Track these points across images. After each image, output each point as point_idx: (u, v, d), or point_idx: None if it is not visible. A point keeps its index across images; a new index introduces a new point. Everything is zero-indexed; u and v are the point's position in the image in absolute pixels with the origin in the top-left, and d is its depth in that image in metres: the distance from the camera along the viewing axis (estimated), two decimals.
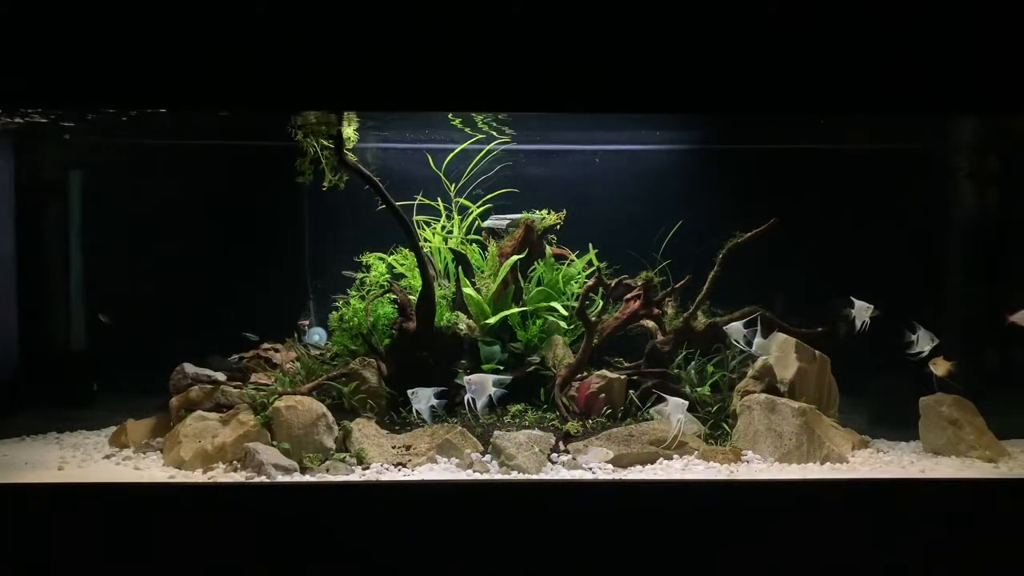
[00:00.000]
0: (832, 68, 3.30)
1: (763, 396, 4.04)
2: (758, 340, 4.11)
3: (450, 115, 4.26)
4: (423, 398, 3.94)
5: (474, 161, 4.75)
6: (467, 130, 4.51)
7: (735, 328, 4.17)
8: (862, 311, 4.19)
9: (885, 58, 3.30)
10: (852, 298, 4.23)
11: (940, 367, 4.15)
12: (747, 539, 3.24)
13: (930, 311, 4.38)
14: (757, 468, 3.77)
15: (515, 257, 4.54)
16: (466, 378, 3.94)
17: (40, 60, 3.23)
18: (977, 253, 4.87)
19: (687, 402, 3.89)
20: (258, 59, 3.25)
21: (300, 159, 4.00)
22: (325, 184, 4.07)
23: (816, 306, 4.65)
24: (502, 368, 4.36)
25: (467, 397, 3.89)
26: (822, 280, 4.74)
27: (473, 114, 4.24)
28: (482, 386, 3.90)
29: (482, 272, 4.70)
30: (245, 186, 4.79)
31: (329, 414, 3.89)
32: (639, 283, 4.41)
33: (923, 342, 4.13)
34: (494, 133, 4.55)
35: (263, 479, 3.49)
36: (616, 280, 4.48)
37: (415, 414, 3.98)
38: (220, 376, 4.34)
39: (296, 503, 3.31)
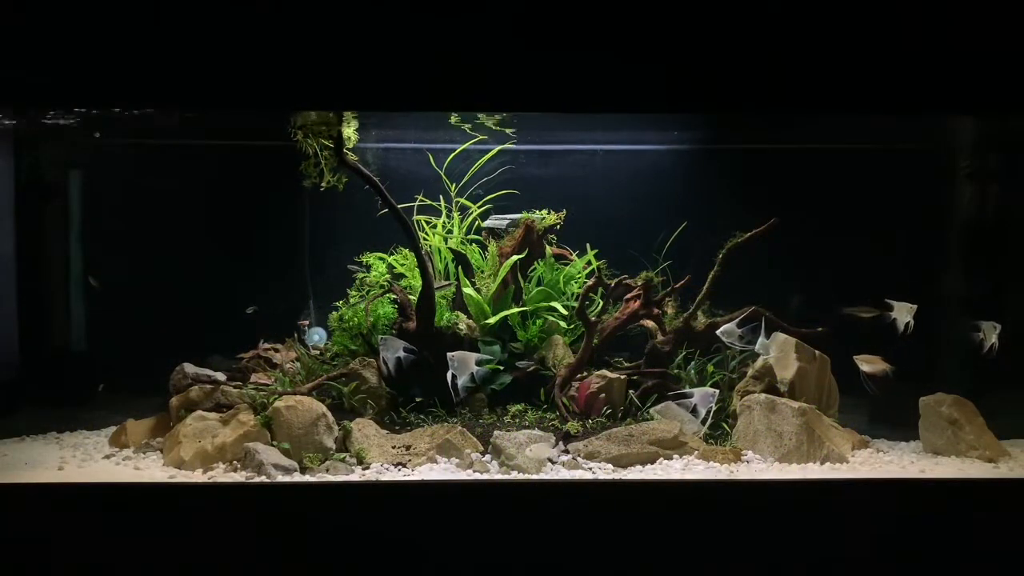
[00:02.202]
0: (832, 68, 3.30)
1: (763, 396, 4.04)
2: (761, 340, 4.11)
3: (452, 116, 4.27)
4: (392, 347, 3.97)
5: (477, 163, 4.75)
6: (467, 128, 4.51)
7: (728, 329, 4.17)
8: (903, 311, 4.16)
9: (884, 58, 3.30)
10: (889, 300, 4.21)
11: (868, 363, 4.15)
12: (747, 539, 3.25)
13: (927, 311, 4.36)
14: (757, 468, 3.77)
15: (515, 257, 4.55)
16: (449, 354, 3.94)
17: (39, 60, 3.23)
18: (975, 253, 4.86)
19: (717, 391, 3.88)
20: (258, 59, 3.25)
21: (305, 162, 4.01)
22: (323, 184, 4.07)
23: (818, 306, 4.66)
24: (502, 368, 4.36)
25: (449, 374, 3.90)
26: (823, 280, 4.75)
27: (473, 114, 4.24)
28: (464, 363, 3.91)
29: (482, 272, 4.70)
30: (245, 186, 4.78)
31: (329, 414, 3.89)
32: (639, 283, 4.41)
33: (990, 334, 4.09)
34: (501, 129, 4.54)
35: (263, 479, 3.49)
36: (616, 280, 4.48)
37: (383, 362, 4.02)
38: (220, 376, 4.34)
39: (296, 503, 3.31)
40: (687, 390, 3.99)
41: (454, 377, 3.88)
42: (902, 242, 4.83)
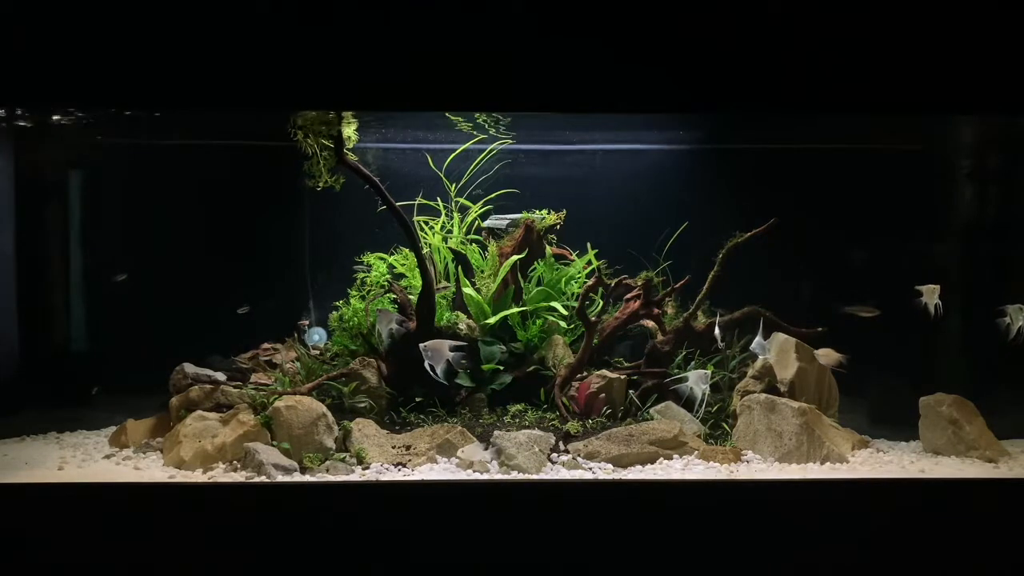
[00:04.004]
0: (832, 68, 3.30)
1: (763, 396, 4.04)
2: (758, 340, 4.12)
3: (451, 115, 4.26)
4: (385, 320, 4.05)
5: (476, 162, 4.75)
6: (469, 128, 4.50)
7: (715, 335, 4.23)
8: (930, 293, 4.14)
9: (884, 58, 3.30)
10: (917, 287, 4.20)
11: (824, 356, 4.14)
12: (747, 539, 3.24)
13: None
14: (757, 468, 3.77)
15: (515, 257, 4.55)
16: (422, 345, 3.95)
17: (40, 60, 3.23)
18: (974, 253, 4.87)
19: (708, 372, 3.96)
20: (258, 59, 3.24)
21: (309, 162, 4.01)
22: (320, 184, 4.07)
23: (817, 306, 4.66)
24: (502, 368, 4.36)
25: (427, 364, 3.91)
26: (823, 280, 4.75)
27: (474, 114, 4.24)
28: (438, 352, 3.91)
29: (482, 272, 4.70)
30: (246, 186, 4.78)
31: (329, 414, 3.89)
32: (639, 283, 4.42)
33: (1016, 317, 4.07)
34: (497, 133, 4.55)
35: (263, 479, 3.49)
36: (616, 280, 4.48)
37: (377, 334, 4.12)
38: (220, 376, 4.34)
39: (296, 503, 3.31)
40: (681, 374, 4.03)
41: (432, 368, 3.89)
42: (901, 242, 4.83)
